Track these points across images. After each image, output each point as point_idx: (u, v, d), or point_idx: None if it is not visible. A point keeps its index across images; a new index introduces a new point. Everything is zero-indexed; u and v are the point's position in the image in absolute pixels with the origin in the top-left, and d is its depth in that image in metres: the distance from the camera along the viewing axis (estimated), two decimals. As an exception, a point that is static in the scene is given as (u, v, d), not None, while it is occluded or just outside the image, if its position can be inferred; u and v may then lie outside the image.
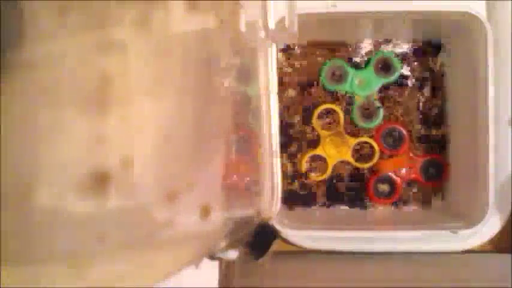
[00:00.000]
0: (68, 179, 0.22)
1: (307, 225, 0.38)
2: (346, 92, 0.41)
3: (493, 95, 0.35)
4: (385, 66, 0.41)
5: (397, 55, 0.41)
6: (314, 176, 0.41)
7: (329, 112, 0.41)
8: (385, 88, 0.41)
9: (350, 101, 0.41)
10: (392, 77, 0.41)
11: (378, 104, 0.41)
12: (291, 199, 0.41)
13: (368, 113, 0.41)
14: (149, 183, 0.24)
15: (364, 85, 0.41)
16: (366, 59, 0.41)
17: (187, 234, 0.26)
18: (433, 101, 0.41)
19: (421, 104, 0.41)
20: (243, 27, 0.28)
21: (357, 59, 0.41)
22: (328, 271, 0.38)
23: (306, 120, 0.41)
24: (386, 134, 0.41)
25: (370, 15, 0.38)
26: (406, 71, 0.41)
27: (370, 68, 0.41)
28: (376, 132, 0.41)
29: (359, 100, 0.41)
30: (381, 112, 0.41)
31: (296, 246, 0.39)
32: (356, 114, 0.41)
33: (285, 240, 0.39)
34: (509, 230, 0.38)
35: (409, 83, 0.41)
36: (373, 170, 0.41)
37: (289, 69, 0.41)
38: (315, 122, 0.41)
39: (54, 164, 0.22)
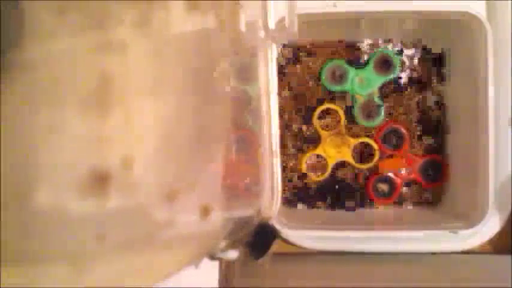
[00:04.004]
0: (68, 179, 0.22)
1: (307, 225, 0.38)
2: (347, 92, 0.41)
3: (493, 95, 0.35)
4: (385, 64, 0.41)
5: (397, 54, 0.41)
6: (314, 176, 0.41)
7: (329, 112, 0.41)
8: (385, 88, 0.41)
9: (351, 101, 0.41)
10: (392, 74, 0.41)
11: (379, 102, 0.41)
12: (291, 199, 0.42)
13: (369, 111, 0.41)
14: (149, 183, 0.24)
15: (364, 84, 0.41)
16: (365, 58, 0.41)
17: (187, 234, 0.26)
18: (433, 101, 0.41)
19: (421, 104, 0.41)
20: (243, 27, 0.28)
21: (357, 59, 0.41)
22: (328, 271, 0.38)
23: (307, 120, 0.41)
24: (386, 134, 0.41)
25: (370, 15, 0.38)
26: (406, 71, 0.41)
27: (370, 67, 0.41)
28: (376, 132, 0.41)
29: (360, 99, 0.41)
30: (382, 110, 0.41)
31: (296, 246, 0.39)
32: (358, 113, 0.41)
33: (285, 240, 0.39)
34: (509, 230, 0.38)
35: (410, 83, 0.41)
36: (373, 170, 0.41)
37: (289, 69, 0.41)
38: (315, 122, 0.41)
39: (54, 163, 0.22)
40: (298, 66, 0.41)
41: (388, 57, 0.41)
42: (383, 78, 0.41)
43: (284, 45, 0.41)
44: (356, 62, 0.41)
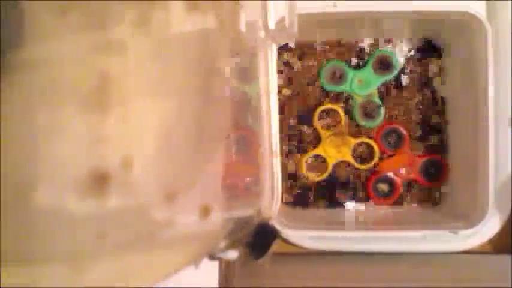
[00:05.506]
0: (68, 179, 0.22)
1: (307, 225, 0.38)
2: (345, 92, 0.41)
3: (493, 95, 0.35)
4: (384, 65, 0.41)
5: (396, 55, 0.41)
6: (314, 176, 0.41)
7: (329, 112, 0.41)
8: (385, 88, 0.41)
9: (350, 101, 0.41)
10: (391, 75, 0.41)
11: (379, 102, 0.41)
12: (291, 199, 0.42)
13: (369, 111, 0.41)
14: (149, 183, 0.24)
15: (363, 85, 0.41)
16: (365, 58, 0.41)
17: (187, 234, 0.26)
18: (433, 101, 0.41)
19: (421, 104, 0.41)
20: (243, 27, 0.28)
21: (356, 59, 0.41)
22: (328, 271, 0.38)
23: (307, 120, 0.41)
24: (386, 134, 0.41)
25: (370, 15, 0.38)
26: (406, 71, 0.41)
27: (369, 67, 0.41)
28: (376, 132, 0.41)
29: (359, 100, 0.41)
30: (382, 110, 0.41)
31: (296, 246, 0.39)
32: (357, 114, 0.41)
33: (285, 240, 0.39)
34: (509, 230, 0.38)
35: (409, 83, 0.41)
36: (373, 170, 0.41)
37: (290, 70, 0.41)
38: (316, 122, 0.41)
39: (54, 163, 0.22)
40: (297, 66, 0.41)
41: (387, 58, 0.41)
42: (382, 78, 0.41)
43: (284, 45, 0.41)
44: (355, 63, 0.41)
